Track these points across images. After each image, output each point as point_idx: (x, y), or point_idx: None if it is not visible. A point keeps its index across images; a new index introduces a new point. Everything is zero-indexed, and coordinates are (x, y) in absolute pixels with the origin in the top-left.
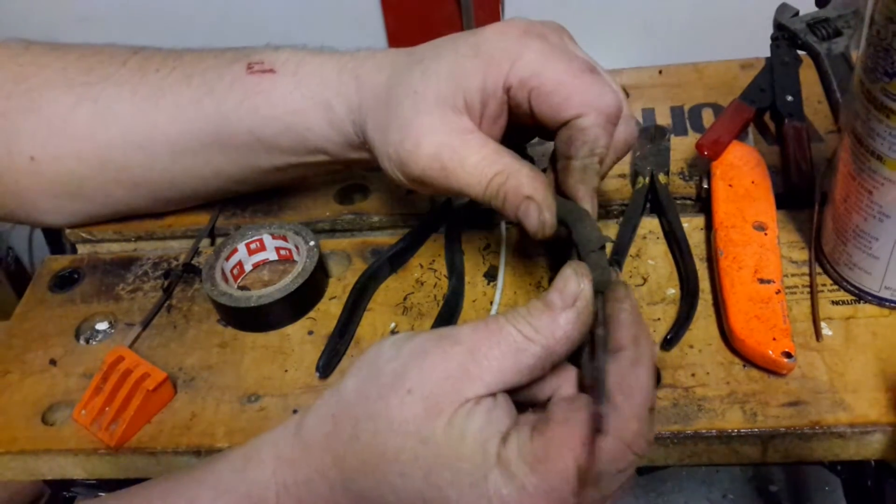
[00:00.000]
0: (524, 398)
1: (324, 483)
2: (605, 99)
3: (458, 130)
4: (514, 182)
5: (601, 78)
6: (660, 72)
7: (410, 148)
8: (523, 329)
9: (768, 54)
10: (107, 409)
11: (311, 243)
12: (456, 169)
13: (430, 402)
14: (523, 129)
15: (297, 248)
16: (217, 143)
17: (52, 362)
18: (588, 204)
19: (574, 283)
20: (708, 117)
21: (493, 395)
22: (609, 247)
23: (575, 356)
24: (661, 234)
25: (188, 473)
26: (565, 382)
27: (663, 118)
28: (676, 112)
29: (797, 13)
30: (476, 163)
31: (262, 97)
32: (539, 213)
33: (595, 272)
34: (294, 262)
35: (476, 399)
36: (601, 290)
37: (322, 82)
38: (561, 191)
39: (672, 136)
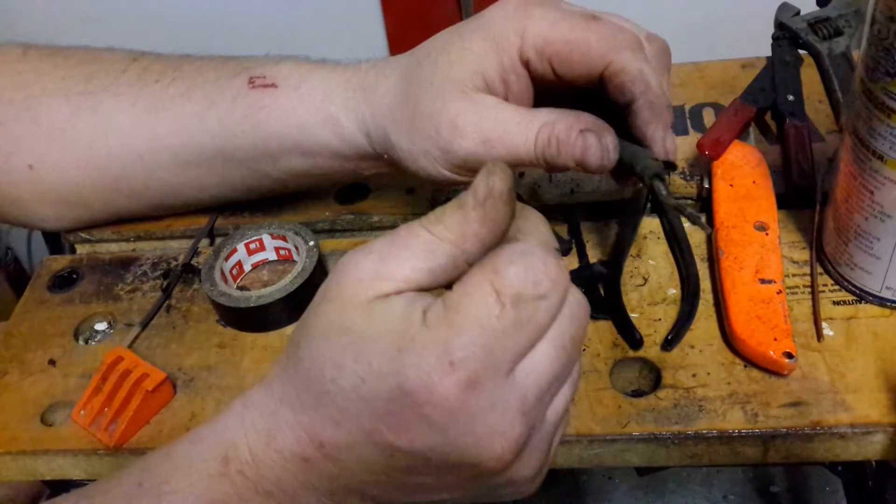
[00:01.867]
0: None
1: (286, 408)
2: (619, 37)
3: (488, 104)
4: (563, 125)
5: (606, 21)
6: None
7: (448, 133)
8: (433, 229)
9: (769, 54)
10: (106, 409)
11: (311, 243)
12: (500, 136)
13: (344, 302)
14: (560, 102)
15: (296, 248)
16: (220, 156)
17: (52, 363)
18: (666, 140)
19: (484, 183)
20: (709, 117)
21: (412, 290)
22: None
23: None
24: (661, 234)
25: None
26: None
27: None
28: (677, 111)
29: (798, 12)
30: (517, 123)
31: (265, 112)
32: (599, 139)
33: (649, 161)
34: (294, 262)
35: (391, 294)
36: (658, 175)
37: (327, 97)
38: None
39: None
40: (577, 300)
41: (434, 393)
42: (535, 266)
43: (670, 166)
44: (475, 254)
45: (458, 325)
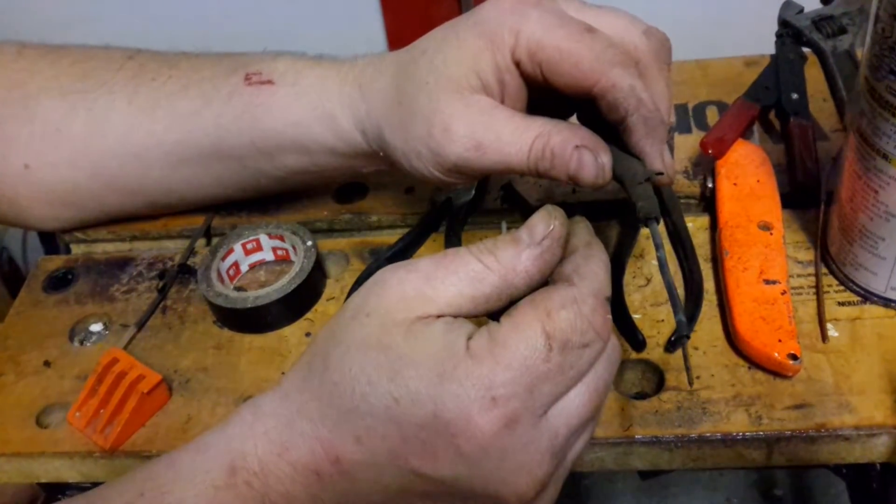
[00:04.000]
0: None
1: (305, 420)
2: (610, 53)
3: (483, 107)
4: (559, 137)
5: (600, 34)
6: None
7: (440, 136)
8: (484, 258)
9: (773, 52)
10: (101, 411)
11: (309, 243)
12: (493, 143)
13: (386, 319)
14: (553, 105)
15: (294, 248)
16: (216, 154)
17: (47, 364)
18: (658, 160)
19: (544, 223)
20: (712, 115)
21: (453, 317)
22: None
23: None
24: (665, 234)
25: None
26: None
27: None
28: (680, 110)
29: (802, 10)
30: (512, 131)
31: (261, 109)
32: (595, 157)
33: (644, 201)
34: (291, 262)
35: (433, 316)
36: (653, 218)
37: (323, 94)
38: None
39: (676, 135)
40: (614, 347)
41: (471, 426)
42: (585, 315)
43: (660, 174)
44: (521, 289)
45: (504, 361)
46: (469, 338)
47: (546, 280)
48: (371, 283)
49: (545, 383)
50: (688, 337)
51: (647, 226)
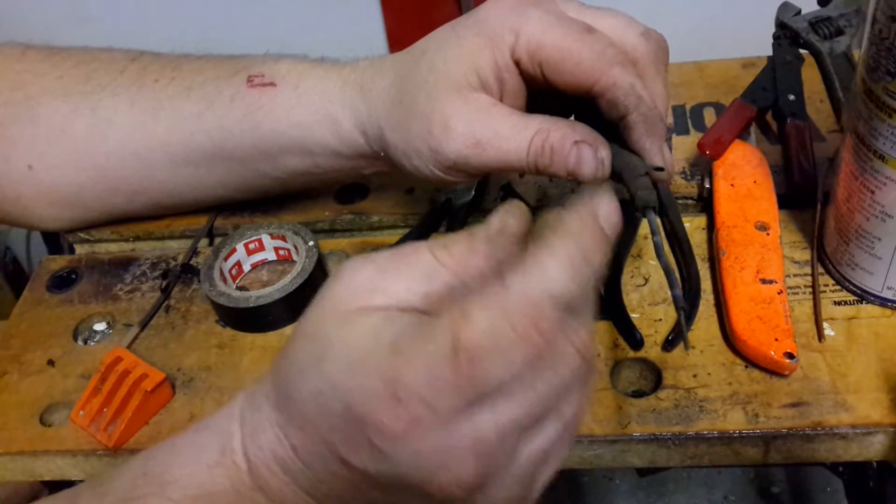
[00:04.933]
0: None
1: (268, 405)
2: (610, 52)
3: (482, 105)
4: (558, 133)
5: (600, 34)
6: None
7: (440, 134)
8: (437, 253)
9: (770, 53)
10: (105, 410)
11: (311, 243)
12: (492, 140)
13: (328, 307)
14: (551, 105)
15: (295, 248)
16: (219, 156)
17: (50, 363)
18: (659, 156)
19: (499, 219)
20: (710, 116)
21: (401, 310)
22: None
23: None
24: (662, 234)
25: None
26: None
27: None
28: (678, 111)
29: (799, 12)
30: (511, 128)
31: (263, 112)
32: (595, 151)
33: (643, 192)
34: (293, 262)
35: (377, 307)
36: (651, 207)
37: (325, 96)
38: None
39: (673, 136)
40: (568, 353)
41: (377, 421)
42: (513, 319)
43: (660, 169)
44: (473, 288)
45: (409, 359)
46: (400, 333)
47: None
48: (333, 274)
49: (452, 392)
50: (685, 310)
51: (645, 216)
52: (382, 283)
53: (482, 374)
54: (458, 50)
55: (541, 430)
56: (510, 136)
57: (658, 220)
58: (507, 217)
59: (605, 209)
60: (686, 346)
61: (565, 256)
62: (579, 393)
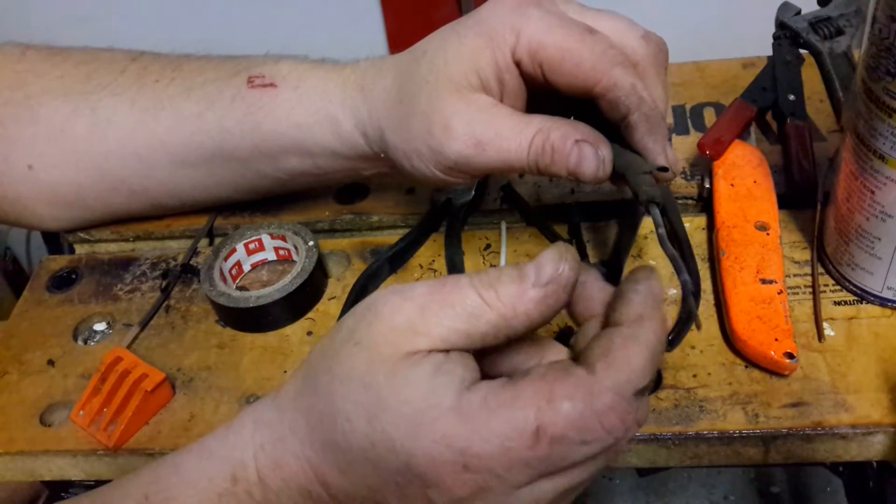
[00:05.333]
0: (504, 368)
1: (295, 439)
2: (611, 53)
3: (483, 105)
4: (559, 133)
5: (601, 35)
6: None
7: (440, 134)
8: (484, 293)
9: (770, 53)
10: (105, 409)
11: (310, 243)
12: (492, 140)
13: (373, 353)
14: (550, 106)
15: (295, 248)
16: (220, 156)
17: (50, 363)
18: (662, 155)
19: (553, 265)
20: (710, 116)
21: (445, 351)
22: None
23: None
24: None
25: (182, 448)
26: (551, 355)
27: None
28: (678, 111)
29: (799, 12)
30: (511, 128)
31: (264, 112)
32: (596, 150)
33: (646, 187)
34: (293, 262)
35: (423, 353)
36: (654, 201)
37: (326, 97)
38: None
39: (673, 136)
40: (632, 430)
41: (441, 484)
42: (595, 411)
43: (663, 169)
44: (519, 331)
45: (485, 433)
46: (461, 384)
47: (547, 321)
48: (364, 307)
49: (526, 468)
50: (695, 294)
51: (648, 211)
52: (425, 325)
53: (560, 457)
54: (458, 50)
55: (570, 494)
56: (510, 136)
57: (661, 214)
58: (562, 264)
59: (660, 292)
60: (698, 326)
61: (648, 350)
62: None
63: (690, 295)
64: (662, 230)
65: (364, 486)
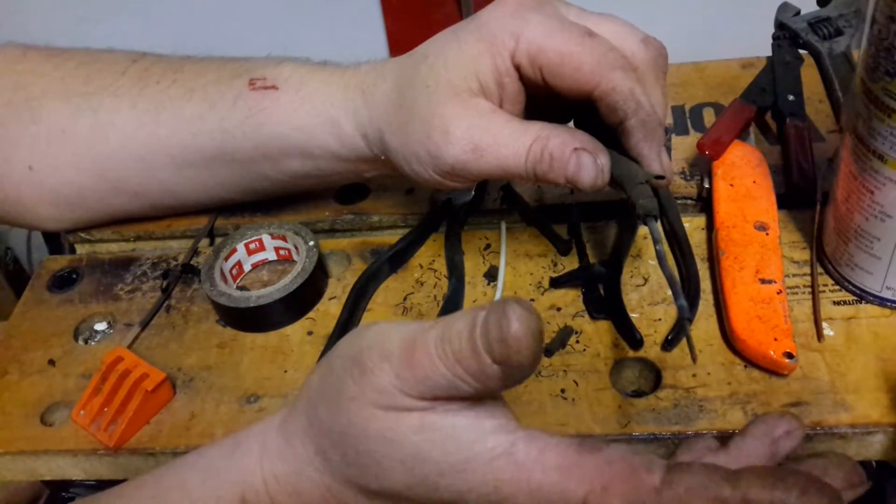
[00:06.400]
0: None
1: (313, 470)
2: (611, 56)
3: (482, 111)
4: (557, 140)
5: (600, 39)
6: None
7: (438, 138)
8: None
9: (769, 53)
10: (105, 409)
11: (311, 243)
12: (490, 145)
13: (384, 416)
14: (549, 111)
15: (296, 248)
16: (221, 158)
17: (51, 363)
18: (656, 162)
19: (495, 324)
20: (709, 117)
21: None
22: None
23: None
24: (662, 234)
25: (182, 458)
26: None
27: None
28: (677, 111)
29: (798, 12)
30: (509, 134)
31: (265, 114)
32: (594, 159)
33: (644, 200)
34: (293, 262)
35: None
36: (653, 216)
37: (327, 99)
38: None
39: (673, 136)
40: None
41: None
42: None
43: (659, 177)
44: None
45: (534, 488)
46: (507, 427)
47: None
48: (350, 353)
49: None
50: (690, 320)
51: (646, 224)
52: (407, 387)
53: None
54: (458, 55)
55: None
56: (509, 142)
57: (660, 228)
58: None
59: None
60: (694, 359)
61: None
62: None
63: (686, 321)
64: (661, 247)
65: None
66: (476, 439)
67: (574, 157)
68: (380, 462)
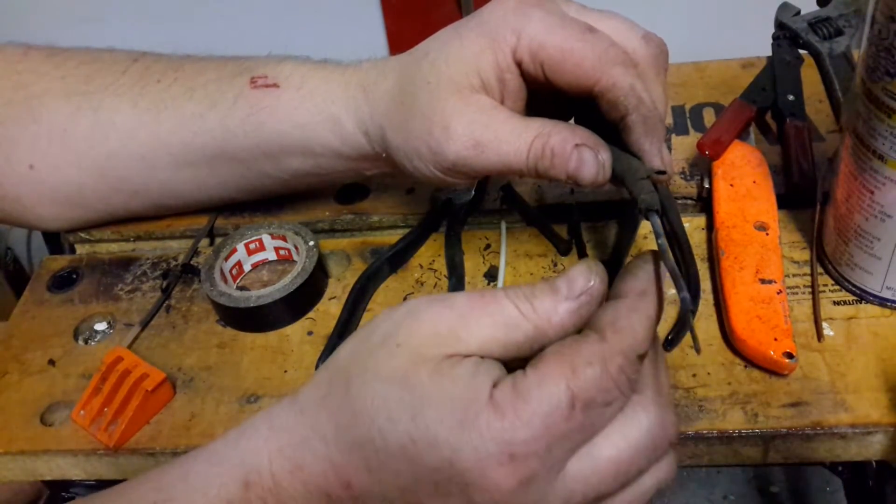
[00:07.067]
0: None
1: (319, 440)
2: (612, 52)
3: (483, 107)
4: (559, 137)
5: (601, 34)
6: None
7: (440, 134)
8: (521, 305)
9: (770, 53)
10: (105, 409)
11: (311, 243)
12: (491, 142)
13: (416, 353)
14: (550, 107)
15: (296, 247)
16: (222, 156)
17: (51, 363)
18: (657, 157)
19: (584, 278)
20: (709, 117)
21: (481, 357)
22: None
23: None
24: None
25: (187, 453)
26: None
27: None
28: (677, 111)
29: (798, 12)
30: (511, 130)
31: (266, 112)
32: (596, 154)
33: (645, 194)
34: (293, 262)
35: (462, 356)
36: (654, 210)
37: (328, 97)
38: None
39: (673, 136)
40: (656, 417)
41: (486, 479)
42: (610, 373)
43: (661, 173)
44: (553, 340)
45: (526, 416)
46: (494, 383)
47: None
48: (404, 312)
49: (564, 441)
50: (693, 312)
51: (648, 218)
52: (465, 332)
53: (590, 422)
54: (460, 51)
55: (617, 491)
56: (510, 138)
57: (661, 223)
58: (593, 277)
59: (661, 272)
60: (698, 350)
61: (648, 320)
62: (665, 451)
63: (689, 313)
64: (663, 241)
65: (395, 487)
66: (478, 384)
67: (575, 154)
68: (391, 409)
